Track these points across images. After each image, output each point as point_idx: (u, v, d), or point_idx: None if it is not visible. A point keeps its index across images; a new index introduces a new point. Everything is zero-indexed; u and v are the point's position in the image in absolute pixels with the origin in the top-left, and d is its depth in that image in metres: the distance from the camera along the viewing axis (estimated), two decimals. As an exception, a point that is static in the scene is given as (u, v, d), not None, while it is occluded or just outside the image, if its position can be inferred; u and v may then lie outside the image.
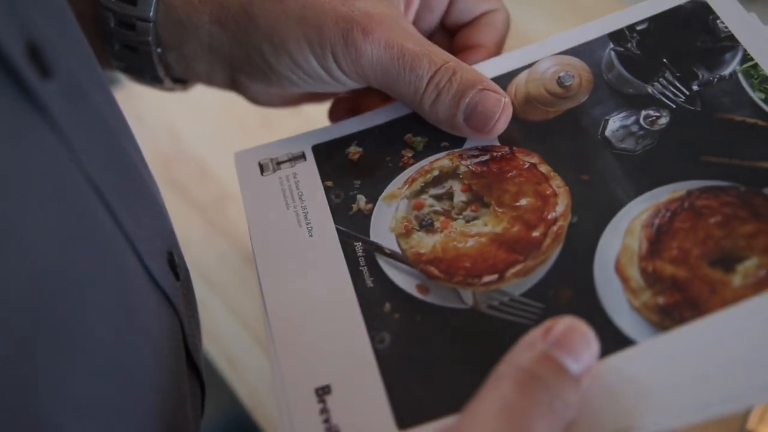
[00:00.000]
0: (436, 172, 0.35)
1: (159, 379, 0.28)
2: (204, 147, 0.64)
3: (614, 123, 0.34)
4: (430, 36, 0.40)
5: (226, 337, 0.54)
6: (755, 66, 0.34)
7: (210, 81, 0.38)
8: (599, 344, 0.26)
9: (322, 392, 0.29)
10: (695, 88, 0.34)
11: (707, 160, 0.32)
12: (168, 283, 0.30)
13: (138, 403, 0.26)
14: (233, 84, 0.38)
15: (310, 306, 0.32)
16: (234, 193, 0.61)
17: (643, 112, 0.34)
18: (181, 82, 0.40)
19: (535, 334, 0.26)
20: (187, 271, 0.33)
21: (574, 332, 0.26)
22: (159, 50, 0.37)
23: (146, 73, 0.38)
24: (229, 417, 0.59)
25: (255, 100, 0.39)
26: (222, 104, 0.66)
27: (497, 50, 0.39)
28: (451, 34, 0.40)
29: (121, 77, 0.62)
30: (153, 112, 0.68)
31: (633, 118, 0.34)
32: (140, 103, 0.68)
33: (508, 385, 0.25)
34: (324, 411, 0.28)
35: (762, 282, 0.28)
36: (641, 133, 0.33)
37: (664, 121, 0.33)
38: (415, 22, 0.39)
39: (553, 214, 0.32)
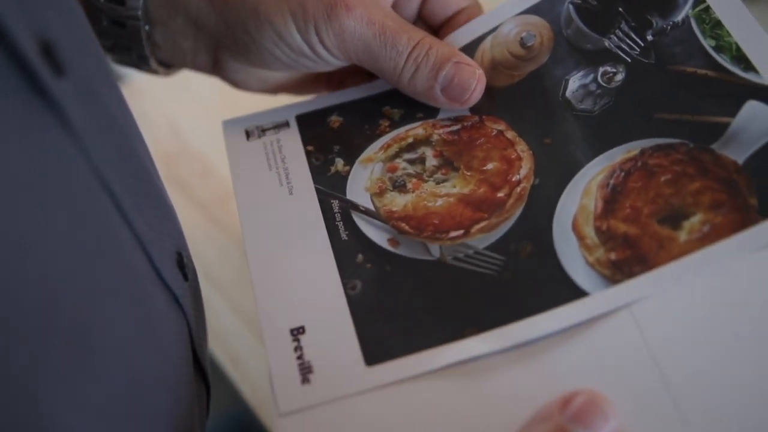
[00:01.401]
0: (410, 140, 0.37)
1: (167, 380, 0.28)
2: (206, 144, 0.65)
3: (574, 83, 0.36)
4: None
5: (228, 334, 0.54)
6: (707, 9, 0.35)
7: (194, 61, 0.39)
8: (617, 420, 0.27)
9: (297, 332, 0.32)
10: (649, 38, 0.35)
11: (660, 117, 0.34)
12: (177, 284, 0.30)
13: (146, 404, 0.27)
14: (215, 65, 0.39)
15: (288, 255, 0.34)
16: None
17: (601, 69, 0.36)
18: (166, 65, 0.41)
19: (552, 406, 0.27)
20: (194, 271, 0.34)
21: (593, 407, 0.26)
22: (147, 27, 0.38)
23: (133, 52, 0.39)
24: (232, 415, 0.59)
25: (236, 83, 0.40)
26: (224, 102, 0.66)
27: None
28: (430, 28, 0.40)
29: (125, 75, 0.63)
30: (156, 110, 0.67)
31: (591, 76, 0.36)
32: (143, 101, 0.68)
33: None
34: (298, 349, 0.31)
35: (705, 237, 0.30)
36: (599, 91, 0.35)
37: (620, 77, 0.35)
38: (394, 8, 0.39)
39: (517, 176, 0.34)
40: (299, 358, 0.31)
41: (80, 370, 0.23)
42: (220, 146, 0.63)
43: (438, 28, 0.40)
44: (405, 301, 0.32)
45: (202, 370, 0.33)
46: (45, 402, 0.21)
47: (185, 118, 0.67)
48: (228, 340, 0.54)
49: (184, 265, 0.31)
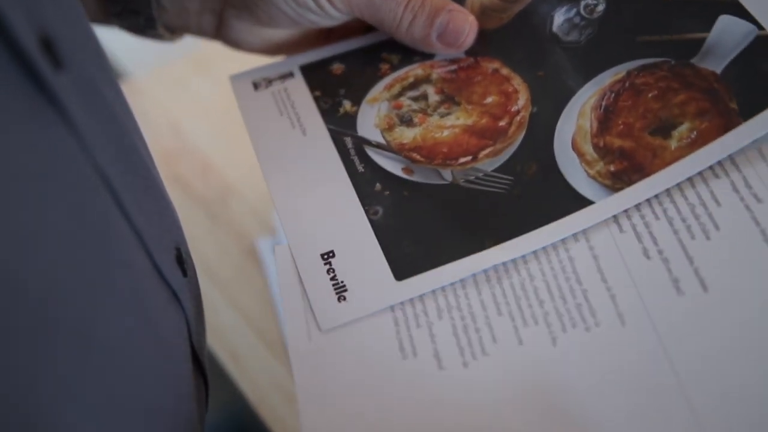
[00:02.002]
0: (411, 79, 0.39)
1: (167, 376, 0.29)
2: (206, 142, 0.65)
3: (559, 18, 0.39)
4: None
5: (228, 331, 0.54)
6: None
7: (199, 24, 0.41)
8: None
9: (327, 256, 0.34)
10: None
11: (642, 39, 0.37)
12: (176, 279, 0.30)
13: (147, 400, 0.27)
14: (220, 26, 0.41)
15: (310, 190, 0.36)
16: (237, 189, 0.62)
17: (582, 2, 0.38)
18: (170, 31, 0.42)
19: None
20: (193, 267, 0.34)
21: None
22: None
23: (141, 15, 0.40)
24: (232, 412, 0.58)
25: (239, 43, 0.41)
26: (224, 100, 0.66)
27: None
28: None
29: (125, 71, 0.62)
30: (156, 108, 0.68)
31: (574, 10, 0.38)
32: (143, 99, 0.68)
33: None
34: (330, 271, 0.33)
35: (694, 143, 0.33)
36: (583, 23, 0.38)
37: (601, 8, 0.38)
38: None
39: (516, 106, 0.37)
40: (333, 279, 0.33)
41: (80, 365, 0.23)
42: (219, 144, 0.65)
43: None
44: (425, 221, 0.34)
45: (201, 366, 0.33)
46: (45, 398, 0.21)
47: (185, 117, 0.67)
48: (228, 336, 0.54)
49: (183, 261, 0.32)
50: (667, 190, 0.33)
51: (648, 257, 0.32)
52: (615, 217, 0.33)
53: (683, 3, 0.36)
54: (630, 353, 0.30)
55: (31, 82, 0.22)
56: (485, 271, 0.33)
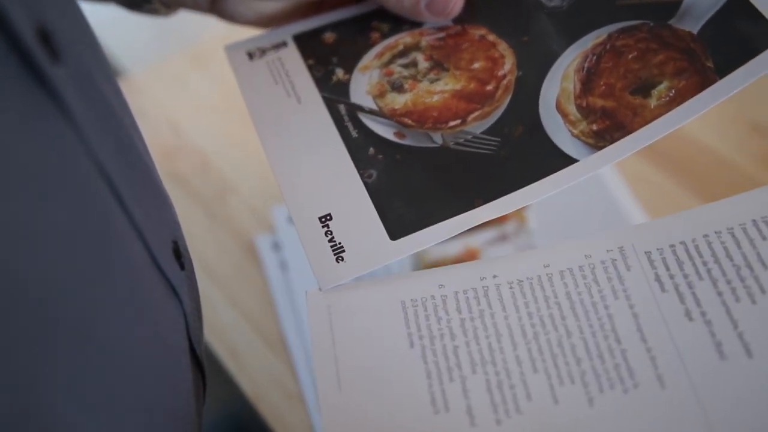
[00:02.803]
0: (401, 47, 0.41)
1: (165, 370, 0.29)
2: (205, 140, 0.65)
3: (543, -16, 0.40)
4: None
5: (227, 328, 0.55)
6: None
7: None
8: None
9: (325, 219, 0.35)
10: None
11: (621, 3, 0.38)
12: (173, 273, 0.30)
13: (145, 395, 0.27)
14: (214, 0, 0.42)
15: (306, 155, 0.37)
16: (235, 186, 0.62)
17: None
18: (166, 6, 0.43)
19: None
20: (191, 261, 0.34)
21: None
22: None
23: None
24: (231, 409, 0.57)
25: (233, 16, 0.42)
26: (222, 97, 0.67)
27: None
28: None
29: (123, 69, 0.62)
30: (154, 106, 0.68)
31: None
32: (142, 97, 0.68)
33: None
34: (328, 233, 0.35)
35: (672, 100, 0.35)
36: (565, -10, 0.39)
37: None
38: None
39: (502, 71, 0.38)
40: (330, 240, 0.34)
41: (80, 362, 0.23)
42: (218, 142, 0.65)
43: None
44: (417, 183, 0.36)
45: (198, 361, 0.34)
46: (45, 393, 0.21)
47: (184, 115, 0.67)
48: (226, 334, 0.55)
49: (180, 255, 0.32)
50: (712, 251, 0.32)
51: (691, 319, 0.30)
52: (657, 275, 0.32)
53: None
54: (669, 417, 0.29)
55: (29, 75, 0.22)
56: (522, 326, 0.32)
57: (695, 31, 0.36)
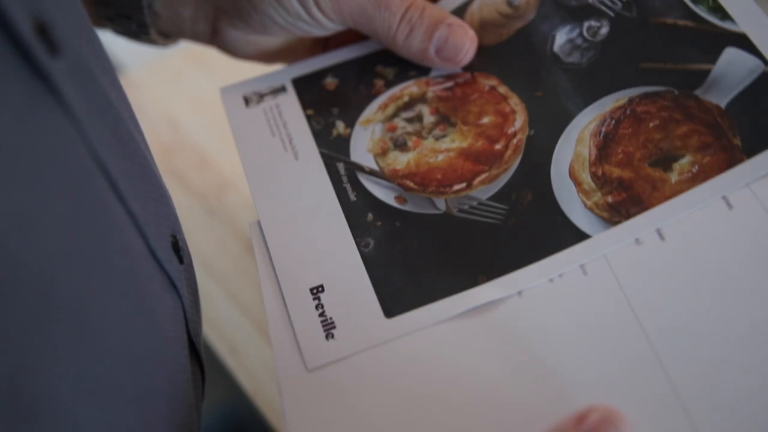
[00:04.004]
0: (406, 98, 0.38)
1: (164, 362, 0.29)
2: (203, 136, 0.65)
3: (561, 38, 0.37)
4: None
5: (226, 324, 0.54)
6: None
7: (193, 30, 0.40)
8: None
9: (316, 291, 0.33)
10: None
11: (645, 66, 0.35)
12: (172, 266, 0.30)
13: (144, 384, 0.27)
14: (213, 33, 0.40)
15: (300, 219, 0.35)
16: (234, 182, 0.61)
17: (586, 24, 0.37)
18: (165, 36, 0.41)
19: (568, 422, 0.27)
20: (189, 255, 0.34)
21: (608, 423, 0.26)
22: None
23: (133, 21, 0.39)
24: (230, 404, 0.58)
25: (234, 51, 0.41)
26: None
27: None
28: None
29: (122, 65, 0.61)
30: (153, 102, 0.67)
31: (577, 31, 0.37)
32: (140, 93, 0.67)
33: None
34: (319, 306, 0.32)
35: (695, 177, 0.32)
36: (585, 45, 0.37)
37: (604, 30, 0.37)
38: None
39: (513, 128, 0.36)
40: (321, 315, 0.32)
41: (78, 348, 0.23)
42: (217, 138, 0.64)
43: None
44: (417, 254, 0.33)
45: (197, 353, 0.33)
46: (43, 381, 0.22)
47: (182, 111, 0.67)
48: (226, 329, 0.54)
49: (179, 248, 0.32)
50: None
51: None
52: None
53: (689, 32, 0.35)
54: (593, 300, 0.31)
55: (27, 68, 0.22)
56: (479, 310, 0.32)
57: (723, 105, 0.33)
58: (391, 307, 0.32)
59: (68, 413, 0.23)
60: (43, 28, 0.22)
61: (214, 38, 0.40)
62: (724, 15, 0.35)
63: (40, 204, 0.22)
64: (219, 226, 0.59)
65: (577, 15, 0.38)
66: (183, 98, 0.68)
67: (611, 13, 0.37)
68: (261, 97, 0.39)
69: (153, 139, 0.63)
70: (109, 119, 0.27)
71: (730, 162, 0.32)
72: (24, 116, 0.21)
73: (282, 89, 0.40)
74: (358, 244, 0.34)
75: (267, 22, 0.37)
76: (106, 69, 0.29)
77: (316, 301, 0.32)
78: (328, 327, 0.32)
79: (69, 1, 0.27)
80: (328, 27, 0.38)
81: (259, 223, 0.35)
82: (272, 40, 0.40)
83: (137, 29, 0.40)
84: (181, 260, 0.32)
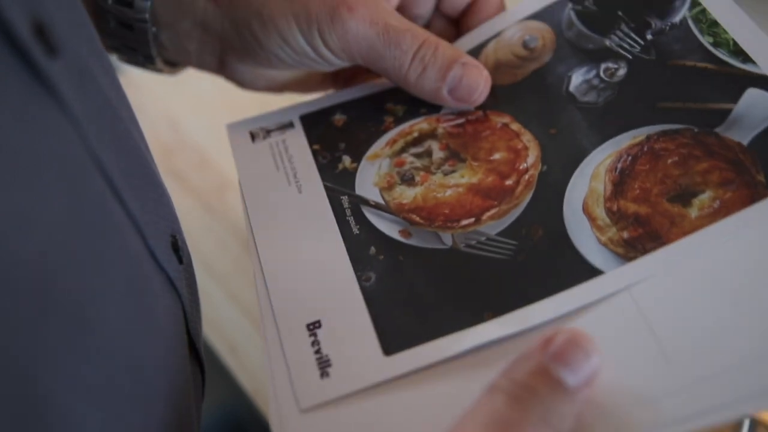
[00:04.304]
0: (415, 134, 0.37)
1: (164, 362, 0.28)
2: (203, 136, 0.65)
3: (577, 78, 0.37)
4: (429, 22, 0.41)
5: (226, 324, 0.54)
6: (703, 11, 0.36)
7: (200, 62, 0.40)
8: (599, 358, 0.26)
9: (313, 327, 0.31)
10: (649, 37, 0.36)
11: (663, 106, 0.34)
12: (171, 266, 0.30)
13: (144, 386, 0.27)
14: (221, 65, 0.40)
15: (300, 252, 0.34)
16: (234, 182, 0.61)
17: (603, 65, 0.36)
18: (171, 64, 0.41)
19: (533, 346, 0.26)
20: (189, 255, 0.34)
21: (574, 345, 0.26)
22: (154, 29, 0.38)
23: (139, 53, 0.39)
24: (230, 404, 0.59)
25: (241, 82, 0.40)
26: (221, 94, 0.66)
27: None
28: (449, 20, 0.41)
29: (122, 67, 0.63)
30: (153, 102, 0.68)
31: (593, 72, 0.36)
32: (140, 93, 0.68)
33: (501, 399, 0.25)
34: (315, 343, 0.31)
35: (716, 212, 0.31)
36: (602, 85, 0.36)
37: (622, 72, 0.36)
38: (411, 8, 0.40)
39: (525, 164, 0.35)
40: (317, 352, 0.30)
41: (78, 349, 0.23)
42: (216, 138, 0.63)
43: (457, 21, 0.41)
44: (420, 290, 0.32)
45: (197, 353, 0.33)
46: (43, 381, 0.21)
47: (182, 111, 0.67)
48: (226, 329, 0.53)
49: (178, 248, 0.31)
50: None
51: None
52: None
53: (709, 74, 0.34)
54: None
55: (25, 68, 0.22)
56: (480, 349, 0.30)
57: (745, 142, 0.32)
58: (391, 344, 0.30)
59: (69, 414, 0.22)
60: (41, 29, 0.23)
61: (221, 70, 0.40)
62: (746, 58, 0.34)
63: (38, 204, 0.21)
64: (219, 226, 0.59)
65: (594, 57, 0.37)
66: (183, 98, 0.68)
67: (629, 56, 0.36)
68: (268, 132, 0.39)
69: (153, 139, 0.63)
70: (107, 118, 0.27)
71: (753, 197, 0.30)
72: (23, 116, 0.21)
73: (290, 125, 0.39)
74: (359, 278, 0.32)
75: (273, 60, 0.37)
76: (105, 69, 0.29)
77: (312, 338, 0.31)
78: (324, 365, 0.30)
79: (69, 1, 0.27)
80: (337, 64, 0.37)
81: (258, 253, 0.34)
82: (281, 73, 0.40)
83: (143, 60, 0.40)
84: (180, 260, 0.31)
